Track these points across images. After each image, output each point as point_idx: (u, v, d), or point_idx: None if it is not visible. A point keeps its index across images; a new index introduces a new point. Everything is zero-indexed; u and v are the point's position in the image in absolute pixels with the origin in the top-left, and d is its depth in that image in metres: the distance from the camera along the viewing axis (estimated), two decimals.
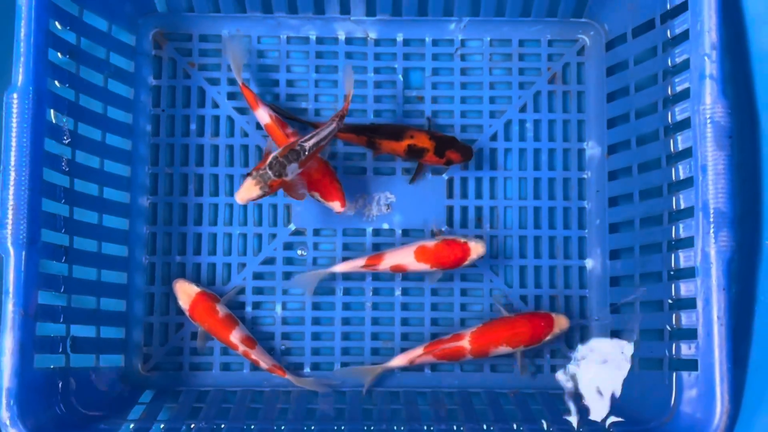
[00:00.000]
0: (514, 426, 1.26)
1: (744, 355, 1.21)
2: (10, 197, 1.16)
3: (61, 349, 1.25)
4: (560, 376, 1.41)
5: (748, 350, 1.22)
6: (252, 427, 1.25)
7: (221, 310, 1.39)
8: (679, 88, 1.28)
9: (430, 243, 1.39)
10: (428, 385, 1.42)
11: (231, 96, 1.48)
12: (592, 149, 1.48)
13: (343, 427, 1.24)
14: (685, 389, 1.22)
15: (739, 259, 1.22)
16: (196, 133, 1.47)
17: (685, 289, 1.26)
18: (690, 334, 1.22)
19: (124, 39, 1.44)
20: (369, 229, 1.46)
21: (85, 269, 1.33)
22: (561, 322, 1.38)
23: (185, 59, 1.48)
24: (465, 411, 1.33)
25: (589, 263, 1.46)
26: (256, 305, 1.45)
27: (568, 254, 1.47)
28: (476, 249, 1.37)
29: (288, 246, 1.46)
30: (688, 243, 1.23)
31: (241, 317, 1.43)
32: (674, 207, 1.28)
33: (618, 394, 1.34)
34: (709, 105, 1.18)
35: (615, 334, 1.41)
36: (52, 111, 1.25)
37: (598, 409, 1.33)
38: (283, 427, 1.25)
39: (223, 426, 1.25)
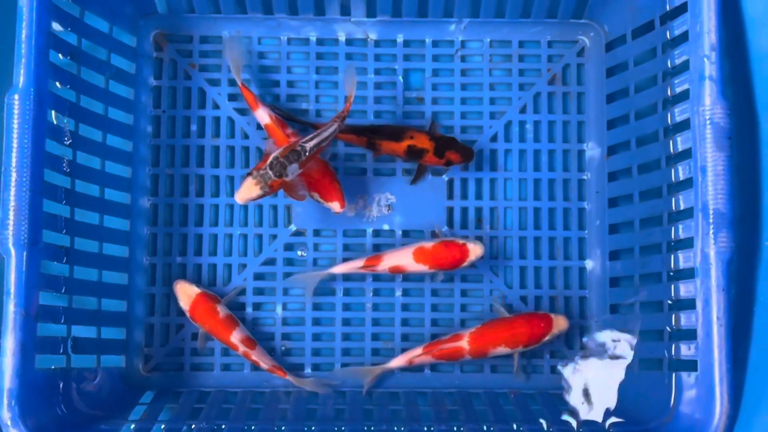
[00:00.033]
0: (514, 426, 1.26)
1: (743, 355, 1.22)
2: (12, 198, 1.16)
3: (62, 350, 1.26)
4: (560, 374, 1.41)
5: (747, 351, 1.22)
6: (252, 427, 1.25)
7: (222, 311, 1.39)
8: (678, 90, 1.28)
9: (429, 244, 1.39)
10: (428, 385, 1.42)
11: (231, 97, 1.48)
12: (592, 150, 1.48)
13: (343, 428, 1.24)
14: (684, 390, 1.22)
15: (738, 260, 1.22)
16: (197, 134, 1.48)
17: (684, 289, 1.26)
18: (689, 335, 1.22)
19: (125, 40, 1.44)
20: (369, 230, 1.47)
21: (86, 270, 1.33)
22: (560, 323, 1.38)
23: (186, 60, 1.49)
24: (465, 411, 1.33)
25: (588, 264, 1.46)
26: (257, 306, 1.45)
27: (568, 255, 1.47)
28: (474, 250, 1.37)
29: (288, 247, 1.46)
30: (687, 244, 1.24)
31: (242, 318, 1.43)
32: (674, 208, 1.29)
33: (617, 394, 1.34)
34: (708, 106, 1.18)
35: (614, 334, 1.41)
36: (53, 112, 1.25)
37: (598, 410, 1.33)
38: (283, 428, 1.25)
39: (223, 426, 1.26)
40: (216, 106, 1.48)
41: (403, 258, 1.39)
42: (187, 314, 1.40)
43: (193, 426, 1.26)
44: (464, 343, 1.37)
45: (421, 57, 1.50)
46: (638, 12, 1.37)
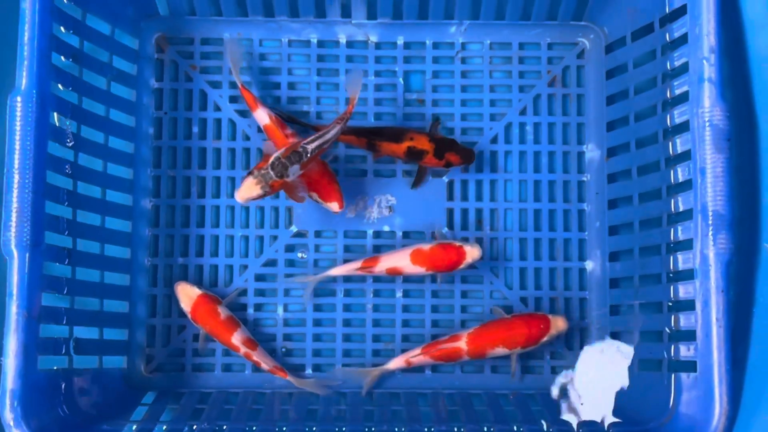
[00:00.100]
0: (515, 427, 1.27)
1: (742, 356, 1.22)
2: (14, 200, 1.16)
3: (64, 351, 1.26)
4: (559, 377, 1.41)
5: (746, 352, 1.22)
6: (254, 428, 1.25)
7: (223, 312, 1.40)
8: (678, 92, 1.28)
9: (426, 246, 1.39)
10: (429, 386, 1.43)
11: (233, 99, 1.49)
12: (592, 152, 1.48)
13: (344, 428, 1.24)
14: (683, 390, 1.22)
15: (737, 262, 1.22)
16: (198, 135, 1.48)
17: (683, 291, 1.26)
18: (689, 336, 1.22)
19: (127, 42, 1.45)
20: (370, 232, 1.47)
21: (88, 271, 1.33)
22: (558, 324, 1.38)
23: (187, 62, 1.49)
24: (465, 412, 1.33)
25: (588, 265, 1.47)
26: (258, 307, 1.46)
27: (568, 256, 1.47)
28: (471, 253, 1.38)
29: (289, 248, 1.47)
30: (687, 245, 1.24)
31: (243, 319, 1.43)
32: (673, 209, 1.29)
33: (617, 395, 1.34)
34: (707, 108, 1.19)
35: (615, 335, 1.41)
36: (55, 114, 1.25)
37: (598, 410, 1.33)
38: (284, 428, 1.25)
39: (225, 427, 1.26)
40: (217, 108, 1.49)
41: (400, 260, 1.39)
42: (188, 316, 1.40)
43: (194, 426, 1.26)
44: (462, 344, 1.37)
45: (421, 59, 1.51)
46: (638, 14, 1.38)
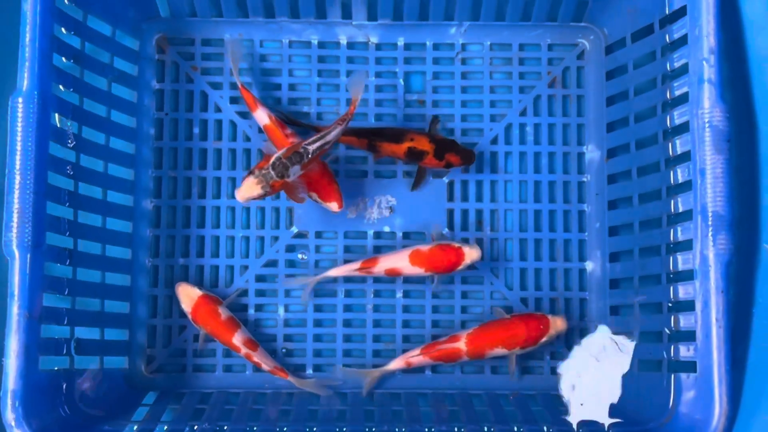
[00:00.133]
0: (515, 428, 1.27)
1: (742, 356, 1.22)
2: (15, 201, 1.17)
3: (65, 351, 1.26)
4: (559, 376, 1.42)
5: (746, 352, 1.23)
6: (254, 428, 1.26)
7: (223, 313, 1.40)
8: (677, 92, 1.29)
9: (425, 247, 1.39)
10: (429, 386, 1.43)
11: (233, 100, 1.49)
12: (592, 153, 1.49)
13: (345, 428, 1.25)
14: (683, 391, 1.23)
15: (737, 262, 1.23)
16: (199, 136, 1.48)
17: (683, 291, 1.26)
18: (688, 336, 1.23)
19: (128, 43, 1.45)
20: (370, 232, 1.47)
21: (89, 272, 1.33)
22: (557, 324, 1.38)
23: (188, 63, 1.50)
24: (466, 412, 1.34)
25: (589, 266, 1.47)
26: (259, 307, 1.46)
27: (568, 257, 1.48)
28: (470, 254, 1.38)
29: (290, 248, 1.47)
30: (686, 246, 1.24)
31: (244, 319, 1.44)
32: (673, 210, 1.29)
33: (617, 395, 1.35)
34: (707, 109, 1.19)
35: (614, 335, 1.41)
36: (56, 115, 1.25)
37: (598, 411, 1.33)
38: (285, 429, 1.25)
39: (225, 427, 1.26)
40: (218, 109, 1.49)
41: (399, 261, 1.40)
42: (189, 317, 1.41)
43: (195, 427, 1.26)
44: (461, 345, 1.37)
45: (421, 60, 1.51)
46: (638, 15, 1.38)
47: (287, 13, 1.48)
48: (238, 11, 1.49)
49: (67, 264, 1.28)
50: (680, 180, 1.28)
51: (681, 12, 1.26)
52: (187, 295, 1.41)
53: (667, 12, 1.30)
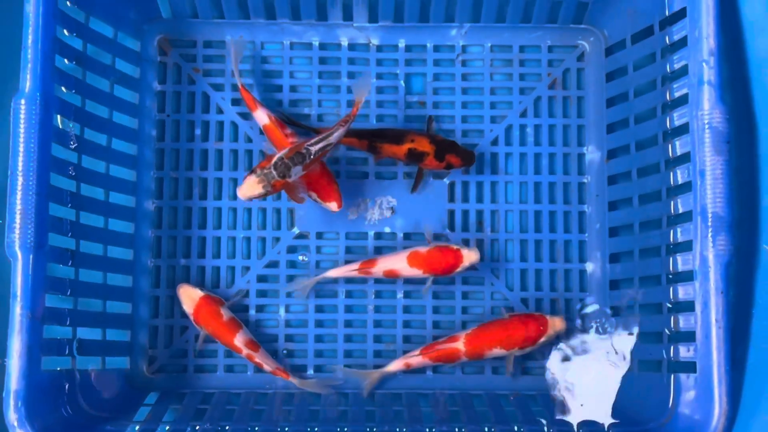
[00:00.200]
0: (515, 427, 1.27)
1: (742, 357, 1.23)
2: (18, 202, 1.17)
3: (67, 352, 1.27)
4: (559, 376, 1.42)
5: (745, 352, 1.23)
6: (256, 428, 1.26)
7: (225, 313, 1.40)
8: (677, 94, 1.29)
9: (424, 249, 1.40)
10: (430, 387, 1.43)
11: (235, 101, 1.49)
12: (592, 154, 1.49)
13: (346, 429, 1.25)
14: (683, 391, 1.23)
15: (737, 263, 1.23)
16: (201, 137, 1.49)
17: (683, 292, 1.27)
18: (688, 337, 1.23)
19: (130, 45, 1.46)
20: (371, 233, 1.48)
21: (91, 272, 1.34)
22: (556, 324, 1.38)
23: (190, 65, 1.50)
24: (466, 413, 1.34)
25: (589, 266, 1.47)
26: (260, 308, 1.46)
27: (569, 257, 1.48)
28: (469, 256, 1.38)
29: (291, 249, 1.48)
30: (686, 247, 1.25)
31: (245, 320, 1.44)
32: (673, 211, 1.29)
33: (616, 394, 1.35)
34: (707, 110, 1.19)
35: (614, 335, 1.42)
36: (58, 116, 1.26)
37: (597, 411, 1.34)
38: (286, 429, 1.25)
39: (227, 428, 1.26)
40: (219, 111, 1.50)
41: (397, 262, 1.40)
42: (191, 318, 1.41)
43: (197, 427, 1.27)
44: (460, 345, 1.38)
45: (422, 61, 1.51)
46: (638, 17, 1.38)
47: (288, 15, 1.49)
48: (240, 13, 1.49)
49: (69, 265, 1.28)
50: (680, 181, 1.29)
51: (681, 14, 1.27)
52: (189, 297, 1.41)
53: (667, 14, 1.31)
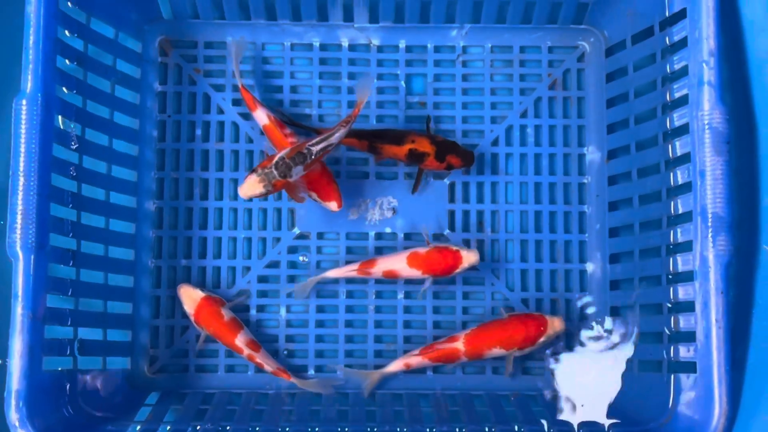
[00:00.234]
0: (516, 427, 1.27)
1: (742, 357, 1.23)
2: (19, 202, 1.17)
3: (68, 352, 1.27)
4: (558, 377, 1.42)
5: (745, 353, 1.23)
6: (257, 428, 1.26)
7: (226, 314, 1.40)
8: (677, 95, 1.29)
9: (423, 250, 1.40)
10: (431, 387, 1.43)
11: (236, 102, 1.50)
12: (592, 154, 1.49)
13: (346, 429, 1.25)
14: (683, 391, 1.23)
15: (737, 263, 1.23)
16: (202, 138, 1.49)
17: (683, 292, 1.27)
18: (688, 337, 1.23)
19: (131, 46, 1.46)
20: (372, 233, 1.48)
21: (93, 273, 1.34)
22: (555, 324, 1.38)
23: (191, 65, 1.50)
24: (467, 413, 1.34)
25: (589, 267, 1.47)
26: (261, 308, 1.47)
27: (569, 258, 1.48)
28: (468, 258, 1.38)
29: (292, 249, 1.48)
30: (686, 247, 1.25)
31: (246, 320, 1.44)
32: (673, 211, 1.29)
33: (616, 394, 1.35)
34: (707, 111, 1.20)
35: (615, 336, 1.42)
36: (60, 117, 1.26)
37: (597, 411, 1.34)
38: (287, 429, 1.26)
39: (228, 428, 1.26)
40: (220, 111, 1.50)
41: (396, 263, 1.40)
42: (192, 318, 1.41)
43: (198, 427, 1.27)
44: (460, 345, 1.38)
45: (423, 62, 1.52)
46: (638, 18, 1.39)
47: (289, 16, 1.49)
48: (241, 14, 1.49)
49: (70, 265, 1.28)
50: (680, 181, 1.29)
51: (681, 14, 1.27)
52: (190, 297, 1.41)
53: (667, 14, 1.31)
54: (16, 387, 1.14)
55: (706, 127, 1.19)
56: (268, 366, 1.40)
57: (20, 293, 1.16)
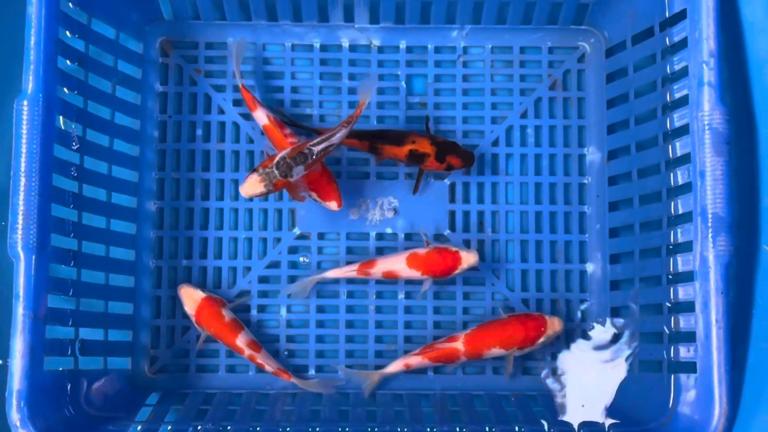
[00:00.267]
0: (516, 428, 1.27)
1: (742, 357, 1.23)
2: (20, 202, 1.17)
3: (69, 352, 1.27)
4: (558, 377, 1.42)
5: (746, 353, 1.23)
6: (257, 428, 1.26)
7: (227, 314, 1.41)
8: (677, 95, 1.29)
9: (422, 250, 1.40)
10: (431, 387, 1.44)
11: (236, 102, 1.50)
12: (593, 155, 1.49)
13: (347, 429, 1.25)
14: (683, 391, 1.23)
15: (737, 263, 1.24)
16: (203, 138, 1.49)
17: (683, 292, 1.27)
18: (689, 337, 1.23)
19: (132, 46, 1.46)
20: (372, 234, 1.48)
21: (94, 273, 1.34)
22: (554, 324, 1.39)
23: (191, 66, 1.50)
24: (467, 413, 1.34)
25: (589, 267, 1.48)
26: (261, 308, 1.47)
27: (569, 258, 1.48)
28: (468, 259, 1.38)
29: (293, 250, 1.48)
30: (686, 247, 1.25)
31: (246, 320, 1.44)
32: (673, 212, 1.30)
33: (616, 394, 1.35)
34: (707, 111, 1.20)
35: (615, 336, 1.42)
36: (61, 117, 1.26)
37: (598, 411, 1.34)
38: (288, 429, 1.26)
39: (228, 428, 1.27)
40: (221, 111, 1.50)
41: (396, 263, 1.40)
42: (193, 319, 1.41)
43: (198, 427, 1.27)
44: (459, 345, 1.38)
45: (423, 63, 1.52)
46: (638, 18, 1.39)
47: (290, 17, 1.49)
48: (242, 14, 1.49)
49: (71, 265, 1.29)
50: (680, 182, 1.29)
51: (681, 15, 1.27)
52: (191, 297, 1.41)
53: (667, 15, 1.31)
54: (17, 387, 1.15)
55: (706, 127, 1.19)
56: (269, 366, 1.40)
57: (21, 293, 1.16)
